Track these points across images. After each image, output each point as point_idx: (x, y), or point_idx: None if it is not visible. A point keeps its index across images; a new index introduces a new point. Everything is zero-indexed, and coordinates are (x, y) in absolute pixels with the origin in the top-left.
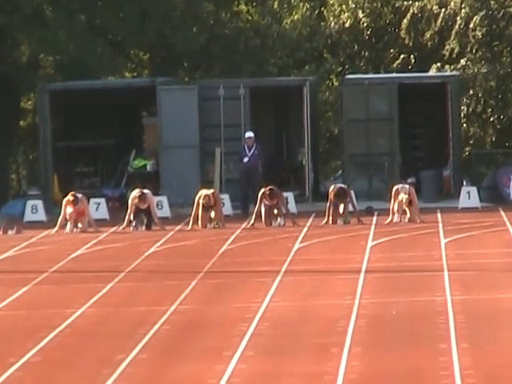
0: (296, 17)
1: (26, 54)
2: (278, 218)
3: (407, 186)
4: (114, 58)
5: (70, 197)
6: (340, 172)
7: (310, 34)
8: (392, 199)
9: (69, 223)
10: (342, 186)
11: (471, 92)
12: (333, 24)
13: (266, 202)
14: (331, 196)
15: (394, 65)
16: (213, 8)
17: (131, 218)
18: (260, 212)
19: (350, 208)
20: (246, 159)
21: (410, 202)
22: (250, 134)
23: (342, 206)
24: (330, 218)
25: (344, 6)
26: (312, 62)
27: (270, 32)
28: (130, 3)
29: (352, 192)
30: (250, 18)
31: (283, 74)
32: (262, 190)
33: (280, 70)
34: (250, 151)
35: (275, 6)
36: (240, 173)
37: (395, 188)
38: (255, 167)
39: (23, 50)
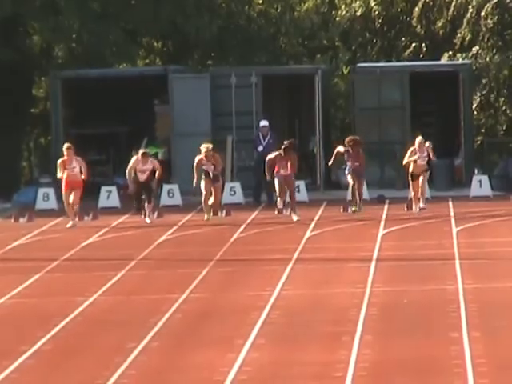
0: (307, 5)
1: (38, 43)
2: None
3: (425, 147)
4: (128, 46)
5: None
6: None
7: (322, 23)
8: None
9: (71, 221)
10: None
11: (484, 81)
12: (344, 12)
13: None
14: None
15: (406, 53)
16: None
17: (134, 192)
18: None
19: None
20: (260, 148)
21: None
22: (264, 122)
23: (356, 194)
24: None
25: None
26: (326, 52)
27: (284, 19)
28: None
29: (363, 181)
30: (262, 6)
31: (296, 63)
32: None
33: (293, 58)
34: (264, 140)
35: None
36: (254, 161)
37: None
38: None
39: (36, 38)
